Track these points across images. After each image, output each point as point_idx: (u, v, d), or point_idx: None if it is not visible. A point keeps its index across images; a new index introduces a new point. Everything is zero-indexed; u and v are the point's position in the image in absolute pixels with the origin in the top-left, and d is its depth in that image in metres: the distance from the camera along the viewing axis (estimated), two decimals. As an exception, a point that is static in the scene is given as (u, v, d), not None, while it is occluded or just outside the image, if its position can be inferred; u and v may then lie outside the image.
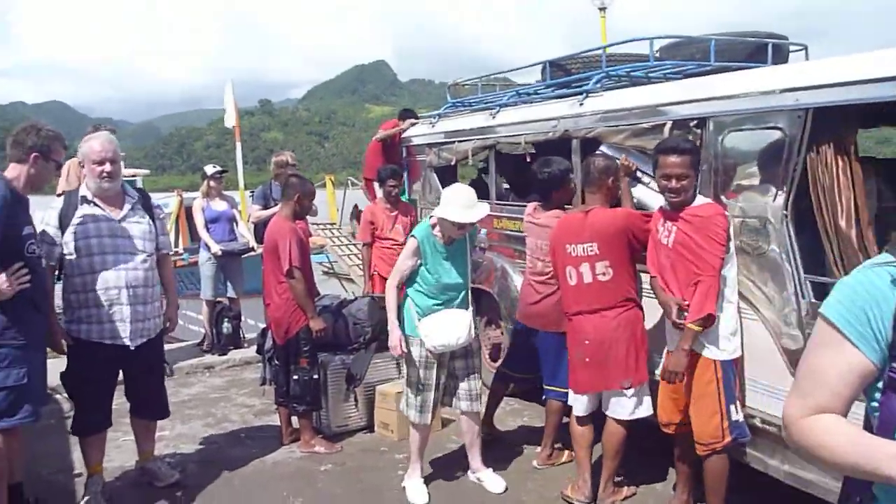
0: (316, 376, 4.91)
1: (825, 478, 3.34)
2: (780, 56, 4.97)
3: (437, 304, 4.12)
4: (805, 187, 3.38)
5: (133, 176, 32.23)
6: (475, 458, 4.41)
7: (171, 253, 4.48)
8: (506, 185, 6.69)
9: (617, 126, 4.42)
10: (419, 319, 4.11)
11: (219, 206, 7.62)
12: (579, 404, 4.08)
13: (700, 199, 3.54)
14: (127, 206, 4.06)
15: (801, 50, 5.14)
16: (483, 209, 4.05)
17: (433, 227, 4.11)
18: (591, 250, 3.86)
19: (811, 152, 3.33)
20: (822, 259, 3.46)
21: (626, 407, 3.91)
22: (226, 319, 7.59)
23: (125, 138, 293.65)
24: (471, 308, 4.22)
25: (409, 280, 4.18)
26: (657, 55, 4.99)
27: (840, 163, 3.25)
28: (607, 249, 3.84)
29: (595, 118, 4.61)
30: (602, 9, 9.38)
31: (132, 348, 3.98)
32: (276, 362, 4.99)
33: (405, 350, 4.10)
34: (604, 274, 3.85)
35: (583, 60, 5.37)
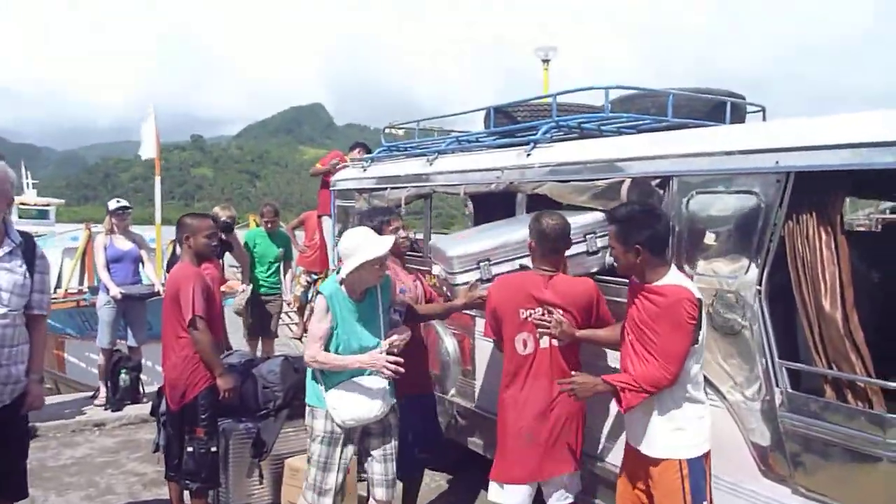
0: (214, 449, 4.22)
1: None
2: (738, 116, 4.66)
3: (349, 372, 3.55)
4: (782, 260, 2.99)
5: (46, 205, 30.63)
6: None
7: (46, 314, 3.69)
8: None
9: (568, 181, 3.99)
10: (326, 389, 3.55)
11: (123, 244, 6.91)
12: (516, 497, 3.47)
13: (671, 277, 2.99)
14: (2, 250, 3.37)
15: (758, 111, 4.86)
16: (387, 238, 3.62)
17: (340, 283, 3.55)
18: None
19: (790, 220, 2.95)
20: (797, 342, 3.07)
21: (573, 490, 3.51)
22: (123, 370, 6.83)
23: (47, 166, 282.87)
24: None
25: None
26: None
27: (824, 234, 2.87)
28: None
29: (544, 171, 4.17)
30: (545, 61, 9.12)
31: None
32: (170, 429, 4.31)
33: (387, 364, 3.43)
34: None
35: (531, 108, 4.94)
